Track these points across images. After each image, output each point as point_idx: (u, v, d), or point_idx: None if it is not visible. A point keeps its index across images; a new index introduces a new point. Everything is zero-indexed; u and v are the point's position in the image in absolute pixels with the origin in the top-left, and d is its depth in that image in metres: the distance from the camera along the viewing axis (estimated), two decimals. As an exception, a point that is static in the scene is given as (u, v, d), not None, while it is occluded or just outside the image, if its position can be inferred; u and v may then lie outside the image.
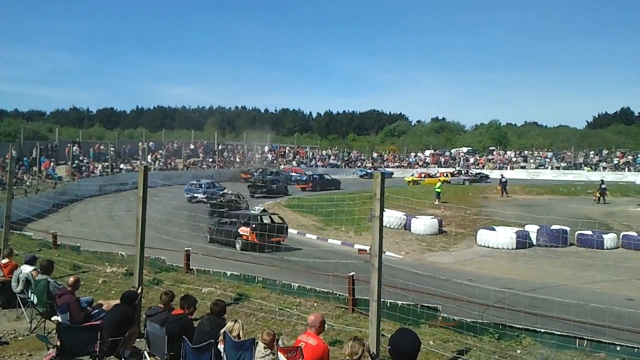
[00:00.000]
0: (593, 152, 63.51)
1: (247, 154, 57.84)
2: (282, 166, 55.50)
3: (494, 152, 68.12)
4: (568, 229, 21.52)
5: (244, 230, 20.28)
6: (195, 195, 32.61)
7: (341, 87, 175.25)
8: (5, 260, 10.21)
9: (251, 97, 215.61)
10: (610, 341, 7.87)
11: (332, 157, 64.00)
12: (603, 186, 35.81)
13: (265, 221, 21.05)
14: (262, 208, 23.19)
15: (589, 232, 21.42)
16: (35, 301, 8.63)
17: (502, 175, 42.73)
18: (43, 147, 41.03)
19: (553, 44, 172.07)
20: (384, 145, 78.88)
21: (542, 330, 8.23)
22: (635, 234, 21.43)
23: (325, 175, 46.88)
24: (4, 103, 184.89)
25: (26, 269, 9.32)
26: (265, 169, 48.57)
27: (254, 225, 20.07)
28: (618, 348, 7.70)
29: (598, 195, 35.21)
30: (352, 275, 9.95)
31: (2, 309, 9.83)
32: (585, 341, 7.88)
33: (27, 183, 33.35)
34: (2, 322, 9.23)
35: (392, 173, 56.22)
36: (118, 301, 7.45)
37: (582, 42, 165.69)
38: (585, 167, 57.61)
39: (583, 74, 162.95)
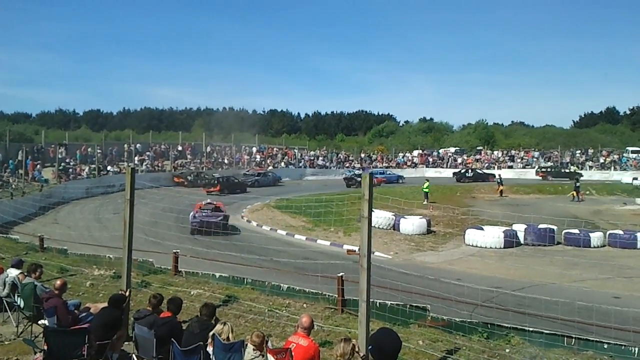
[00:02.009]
0: (579, 151, 64.02)
1: (235, 155, 57.63)
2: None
3: (482, 152, 68.44)
4: (555, 227, 21.66)
5: None
6: None
7: (329, 88, 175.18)
8: (-10, 264, 10.08)
9: (239, 98, 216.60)
10: (598, 339, 7.95)
11: (320, 158, 63.91)
12: (577, 184, 36.72)
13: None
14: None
15: (576, 231, 21.59)
16: (22, 305, 8.54)
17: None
18: (29, 149, 40.55)
19: (539, 44, 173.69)
20: (373, 145, 78.92)
21: (531, 329, 8.28)
22: (621, 232, 21.61)
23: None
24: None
25: (12, 272, 9.23)
26: (198, 171, 47.21)
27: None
28: (605, 346, 7.78)
29: (579, 195, 36.01)
30: (342, 276, 9.97)
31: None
32: (573, 339, 7.94)
33: (13, 186, 32.93)
34: (-12, 326, 9.10)
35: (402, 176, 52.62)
36: (106, 304, 7.41)
37: (568, 42, 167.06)
38: (572, 167, 58.08)
39: (569, 74, 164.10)
